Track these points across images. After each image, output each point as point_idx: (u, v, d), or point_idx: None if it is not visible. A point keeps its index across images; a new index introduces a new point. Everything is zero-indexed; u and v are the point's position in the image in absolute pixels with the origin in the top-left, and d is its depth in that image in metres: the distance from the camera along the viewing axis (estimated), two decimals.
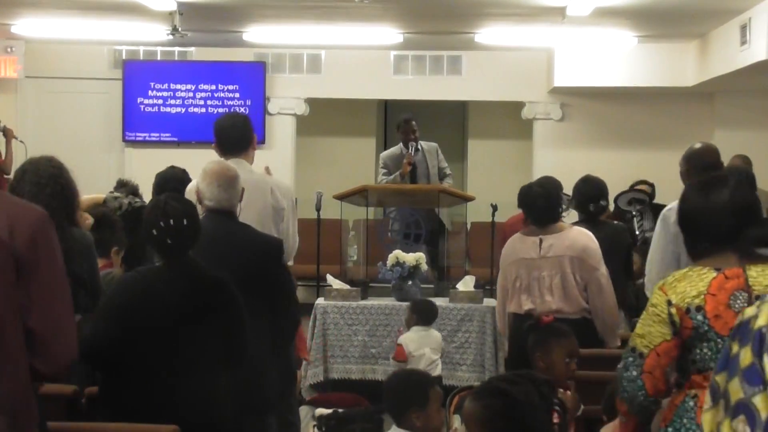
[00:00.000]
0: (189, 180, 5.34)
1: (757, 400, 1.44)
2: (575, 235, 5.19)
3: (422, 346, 6.30)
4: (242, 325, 3.60)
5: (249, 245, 4.29)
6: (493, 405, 2.65)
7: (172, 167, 5.93)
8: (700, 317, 2.81)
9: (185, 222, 3.54)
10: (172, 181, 5.60)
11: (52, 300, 2.48)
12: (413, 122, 8.79)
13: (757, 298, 2.79)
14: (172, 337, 3.42)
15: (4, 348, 2.42)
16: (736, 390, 1.48)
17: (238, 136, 5.07)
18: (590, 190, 6.06)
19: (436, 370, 6.33)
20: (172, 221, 3.52)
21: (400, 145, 8.87)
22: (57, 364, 2.52)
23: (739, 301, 2.80)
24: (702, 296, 2.82)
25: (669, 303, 2.85)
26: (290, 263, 5.27)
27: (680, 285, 2.86)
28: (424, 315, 6.41)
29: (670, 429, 2.87)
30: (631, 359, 2.90)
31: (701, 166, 4.69)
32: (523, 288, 5.16)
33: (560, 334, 4.21)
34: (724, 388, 1.52)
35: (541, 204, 5.19)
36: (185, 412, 3.34)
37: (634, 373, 2.87)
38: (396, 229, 7.92)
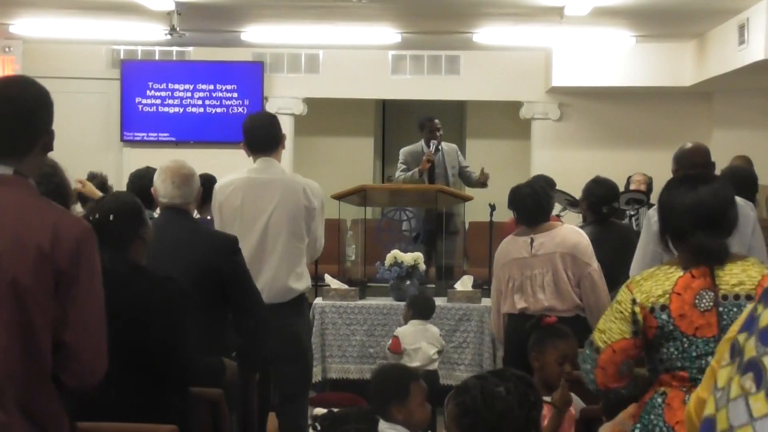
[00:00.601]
0: None
1: (766, 360, 1.48)
2: (566, 233, 5.19)
3: (418, 339, 6.30)
4: (182, 329, 3.40)
5: (200, 242, 4.22)
6: (462, 402, 2.73)
7: (147, 168, 5.91)
8: (664, 316, 2.81)
9: (111, 218, 3.43)
10: (143, 179, 5.58)
11: (87, 316, 2.45)
12: (436, 121, 8.96)
13: (724, 297, 2.79)
14: None
15: (40, 360, 2.40)
16: (751, 348, 1.53)
17: (266, 135, 5.09)
18: (604, 192, 5.95)
19: (434, 365, 6.32)
20: (97, 215, 3.44)
21: (421, 142, 9.00)
22: (86, 379, 2.49)
23: (704, 301, 2.79)
24: (667, 295, 2.82)
25: (633, 301, 2.86)
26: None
27: (646, 284, 2.87)
28: (420, 309, 6.42)
29: (638, 425, 2.89)
30: (588, 352, 2.96)
31: (690, 166, 4.69)
32: (516, 288, 5.15)
33: (557, 335, 4.21)
34: (743, 347, 1.56)
35: (529, 204, 5.18)
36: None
37: (588, 366, 2.94)
38: (395, 229, 7.93)
